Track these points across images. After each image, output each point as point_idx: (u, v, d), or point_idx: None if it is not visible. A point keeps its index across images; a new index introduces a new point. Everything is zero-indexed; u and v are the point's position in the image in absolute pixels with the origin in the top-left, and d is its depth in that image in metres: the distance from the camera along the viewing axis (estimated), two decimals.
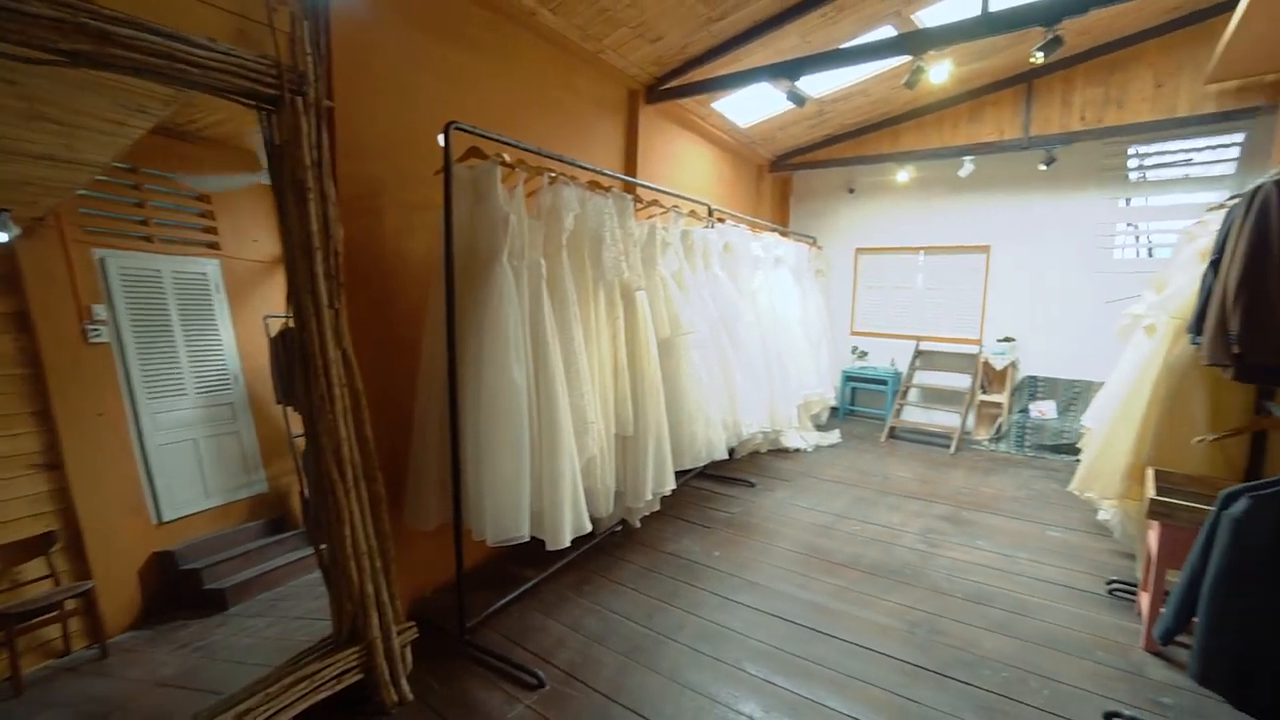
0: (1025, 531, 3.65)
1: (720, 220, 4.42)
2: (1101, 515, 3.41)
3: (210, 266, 4.02)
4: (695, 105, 4.60)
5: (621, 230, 2.88)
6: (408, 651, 2.24)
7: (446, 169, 2.12)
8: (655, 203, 3.54)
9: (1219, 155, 4.93)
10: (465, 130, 2.20)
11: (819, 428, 6.00)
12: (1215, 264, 2.09)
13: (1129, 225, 5.40)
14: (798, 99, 3.49)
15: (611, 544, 3.38)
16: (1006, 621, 2.65)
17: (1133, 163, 5.22)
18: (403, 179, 2.56)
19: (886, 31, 3.81)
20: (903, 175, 5.90)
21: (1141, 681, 2.27)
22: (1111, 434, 2.91)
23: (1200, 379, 2.69)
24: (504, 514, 2.26)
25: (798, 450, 5.33)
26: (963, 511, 3.95)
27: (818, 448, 5.48)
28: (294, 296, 1.84)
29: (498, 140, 2.34)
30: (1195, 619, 2.06)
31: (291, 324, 1.89)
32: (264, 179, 1.90)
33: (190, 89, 1.68)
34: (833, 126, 5.61)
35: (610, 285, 2.91)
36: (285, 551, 4.10)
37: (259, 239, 4.29)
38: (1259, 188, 1.89)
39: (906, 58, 3.18)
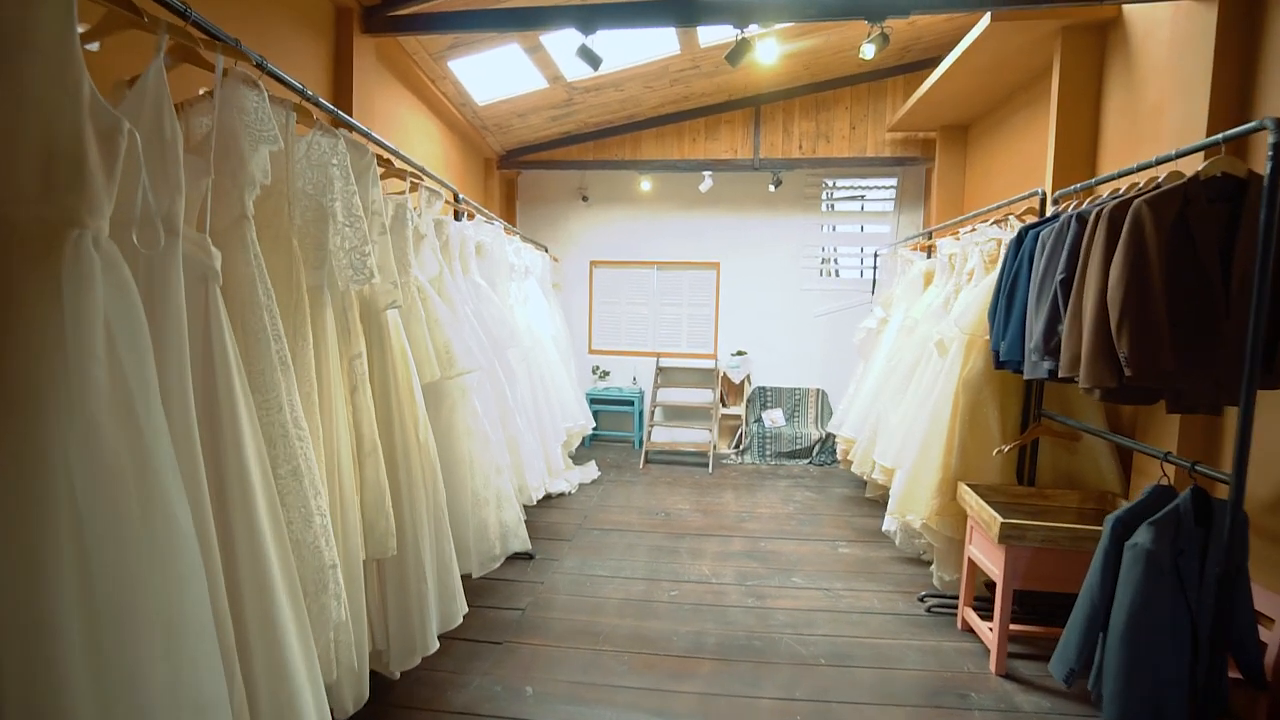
0: (820, 554, 3.56)
1: (469, 215, 3.36)
2: (886, 526, 3.48)
3: None
4: (429, 61, 3.45)
5: (361, 200, 1.67)
6: None
7: None
8: (393, 172, 2.33)
9: (882, 195, 5.91)
10: None
11: (571, 458, 5.32)
12: (1065, 282, 2.05)
13: (822, 249, 6.12)
14: (591, 58, 2.72)
15: None
16: (882, 684, 2.32)
17: (825, 194, 5.93)
18: None
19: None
20: (645, 185, 5.65)
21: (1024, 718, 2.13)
22: (923, 454, 2.88)
23: (992, 392, 2.81)
24: None
25: (561, 494, 4.53)
26: (759, 543, 3.70)
27: (581, 486, 4.78)
28: None
29: None
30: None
31: None
32: None
33: None
34: (576, 123, 5.01)
35: (344, 299, 1.67)
36: None
37: None
38: (1126, 204, 1.85)
39: (720, 39, 2.73)
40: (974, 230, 3.16)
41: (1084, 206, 2.12)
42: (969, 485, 2.70)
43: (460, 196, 3.22)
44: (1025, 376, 2.40)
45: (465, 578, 2.24)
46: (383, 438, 1.71)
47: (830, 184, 5.86)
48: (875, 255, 5.50)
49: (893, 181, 5.75)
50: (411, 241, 2.15)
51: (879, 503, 4.43)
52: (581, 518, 4.07)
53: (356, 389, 1.63)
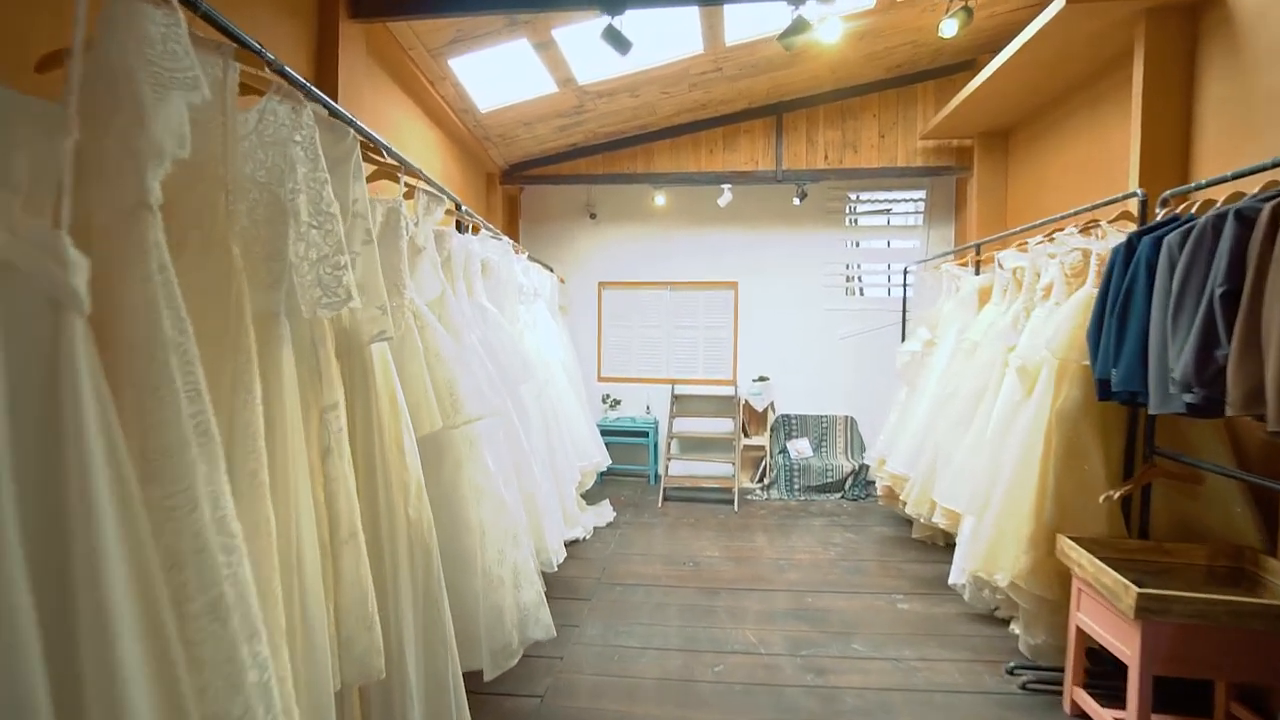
0: (878, 611, 3.09)
1: (474, 228, 2.96)
2: (954, 579, 3.02)
3: None
4: (427, 58, 3.08)
5: (339, 199, 1.26)
6: None
7: None
8: (383, 170, 1.94)
9: (910, 209, 5.55)
10: None
11: (583, 497, 4.85)
12: (1229, 295, 1.65)
13: (846, 266, 5.74)
14: (620, 41, 2.35)
15: None
16: None
17: (849, 208, 5.57)
18: None
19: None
20: (659, 200, 5.28)
21: None
22: (1008, 500, 2.44)
23: (1093, 426, 2.38)
24: None
25: (575, 541, 4.06)
26: (805, 598, 3.23)
27: (595, 530, 4.32)
28: None
29: None
30: None
31: None
32: None
33: None
34: (584, 133, 4.65)
35: (312, 330, 1.25)
36: None
37: None
38: None
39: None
40: (1052, 239, 2.76)
41: (1242, 202, 1.72)
42: (1073, 539, 2.26)
43: (463, 208, 2.82)
44: (1152, 411, 1.98)
45: (475, 676, 1.78)
46: (367, 519, 1.27)
47: (854, 197, 5.51)
48: (906, 272, 5.11)
49: (921, 194, 5.39)
50: (406, 255, 1.74)
51: (928, 545, 3.99)
52: (600, 570, 3.61)
53: (330, 453, 1.20)
